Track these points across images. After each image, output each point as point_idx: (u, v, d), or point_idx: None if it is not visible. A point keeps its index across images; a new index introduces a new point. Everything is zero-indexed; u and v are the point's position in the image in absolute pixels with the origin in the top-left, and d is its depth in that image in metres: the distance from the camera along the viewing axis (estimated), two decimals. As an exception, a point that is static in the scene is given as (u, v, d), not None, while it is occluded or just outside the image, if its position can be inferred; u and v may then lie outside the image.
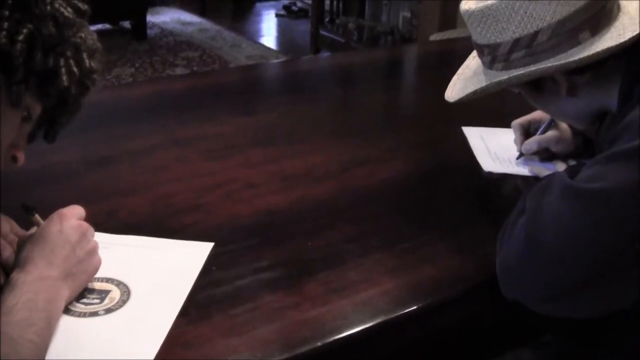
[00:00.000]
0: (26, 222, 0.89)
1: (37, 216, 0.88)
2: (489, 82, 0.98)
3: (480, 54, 1.01)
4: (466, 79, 1.06)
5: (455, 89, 1.07)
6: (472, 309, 0.93)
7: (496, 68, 0.98)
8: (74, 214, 0.86)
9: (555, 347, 1.11)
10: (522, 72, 0.94)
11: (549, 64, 0.92)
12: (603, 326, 1.00)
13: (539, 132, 1.23)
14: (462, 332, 0.95)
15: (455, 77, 1.11)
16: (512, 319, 0.97)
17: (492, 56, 0.97)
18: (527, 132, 1.25)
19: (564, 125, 1.21)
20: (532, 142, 1.21)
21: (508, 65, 0.96)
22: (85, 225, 0.86)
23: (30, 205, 0.88)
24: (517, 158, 1.24)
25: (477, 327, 0.96)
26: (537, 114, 1.24)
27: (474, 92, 1.00)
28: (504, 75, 0.96)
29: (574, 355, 1.11)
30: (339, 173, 1.21)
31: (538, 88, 1.01)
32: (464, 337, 0.96)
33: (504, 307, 0.91)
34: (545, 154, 1.23)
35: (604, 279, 0.81)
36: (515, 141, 1.25)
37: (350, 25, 4.40)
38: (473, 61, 1.08)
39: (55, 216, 0.84)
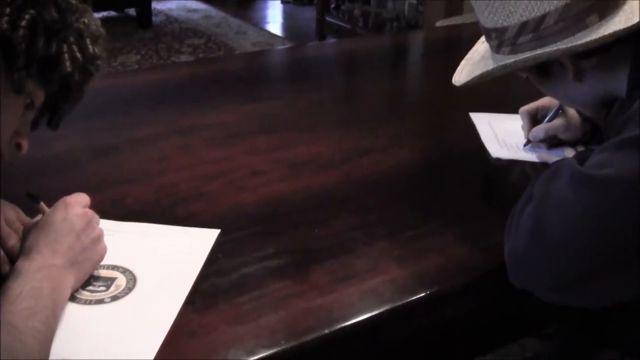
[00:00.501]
0: (32, 211, 0.89)
1: (42, 204, 0.88)
2: (495, 66, 0.97)
3: (488, 38, 1.00)
4: (474, 64, 1.05)
5: (463, 74, 1.06)
6: (478, 298, 0.93)
7: (503, 52, 0.97)
8: (78, 201, 0.86)
9: (560, 338, 1.11)
10: (528, 55, 0.93)
11: (555, 47, 0.91)
12: (607, 318, 1.00)
13: (546, 120, 1.22)
14: (468, 321, 0.95)
15: (463, 62, 1.10)
16: (518, 309, 0.96)
17: (499, 40, 0.96)
18: (534, 118, 1.24)
19: (572, 112, 1.20)
20: (540, 130, 1.20)
21: (515, 49, 0.95)
22: (90, 212, 0.86)
23: (35, 193, 0.88)
24: (525, 145, 1.24)
25: (483, 316, 0.96)
26: (545, 101, 1.23)
27: (480, 76, 1.00)
28: (510, 59, 0.95)
29: (578, 346, 1.11)
30: (344, 161, 1.20)
31: (545, 72, 1.00)
32: (470, 326, 0.96)
33: (510, 297, 0.91)
34: (553, 141, 1.22)
35: (609, 269, 0.80)
36: (522, 128, 1.24)
37: (356, 12, 4.38)
38: (482, 46, 1.07)
39: (60, 204, 0.84)
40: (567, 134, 1.20)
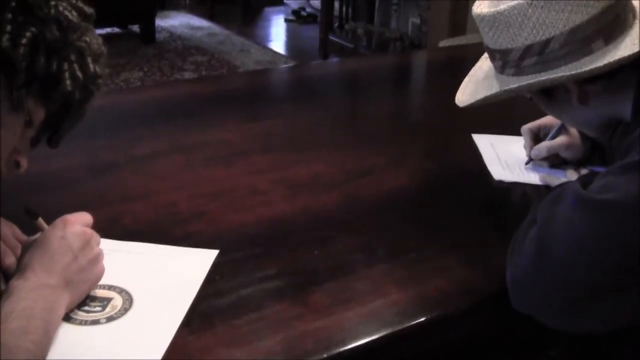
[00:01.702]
0: (31, 228, 0.88)
1: (40, 220, 0.87)
2: (499, 90, 0.97)
3: (492, 59, 1.00)
4: (477, 82, 1.05)
5: (466, 93, 1.05)
6: (479, 321, 0.92)
7: (507, 73, 0.96)
8: (79, 220, 0.85)
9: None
10: (532, 81, 0.93)
11: (560, 74, 0.91)
12: (611, 342, 0.98)
13: (548, 138, 1.22)
14: (469, 345, 0.94)
15: (467, 79, 1.09)
16: (520, 332, 0.95)
17: (503, 61, 0.96)
18: (536, 137, 1.24)
19: (573, 131, 1.19)
20: (542, 148, 1.20)
21: (519, 71, 0.94)
22: (89, 232, 0.85)
23: (33, 209, 0.87)
24: (526, 163, 1.23)
25: (484, 340, 0.95)
26: (547, 119, 1.22)
27: (484, 99, 0.99)
28: (514, 82, 0.95)
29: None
30: (345, 181, 1.19)
31: (550, 95, 0.99)
32: (470, 350, 0.94)
33: (511, 321, 0.90)
34: (555, 160, 1.22)
35: (612, 293, 0.79)
36: (524, 146, 1.24)
37: (359, 31, 4.40)
38: (485, 62, 1.07)
39: (59, 222, 0.83)
40: (569, 152, 1.20)
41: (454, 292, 0.90)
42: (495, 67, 1.00)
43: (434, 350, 0.90)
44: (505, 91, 0.96)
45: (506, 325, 0.94)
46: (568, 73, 0.90)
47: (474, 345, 0.94)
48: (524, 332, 0.96)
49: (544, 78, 0.92)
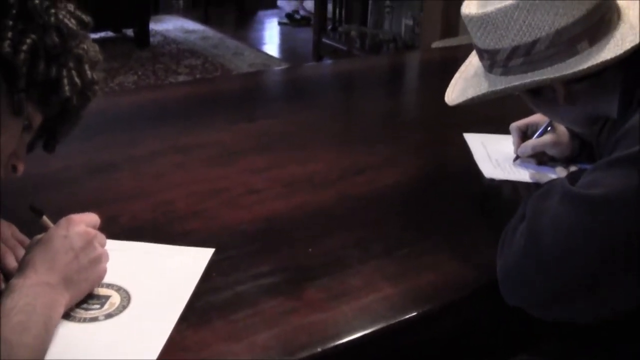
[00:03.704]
0: (33, 226, 0.88)
1: (45, 218, 0.88)
2: (487, 91, 0.98)
3: (480, 58, 1.01)
4: (467, 79, 1.06)
5: (456, 90, 1.07)
6: (472, 315, 0.93)
7: (495, 72, 0.98)
8: (84, 220, 0.86)
9: (555, 354, 1.11)
10: (518, 83, 0.94)
11: (546, 75, 0.92)
12: (603, 334, 1.00)
13: (535, 135, 1.24)
14: (462, 338, 0.95)
15: (457, 75, 1.10)
16: (512, 326, 0.96)
17: (491, 61, 0.97)
18: (524, 134, 1.26)
19: (561, 129, 1.21)
20: (528, 146, 1.22)
21: (507, 71, 0.96)
22: (93, 232, 0.85)
23: (37, 207, 0.88)
24: (514, 160, 1.25)
25: (477, 334, 0.96)
26: (536, 117, 1.24)
27: (472, 99, 1.01)
28: (502, 83, 0.96)
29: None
30: (339, 179, 1.21)
31: (537, 94, 1.01)
32: (463, 344, 0.96)
33: (503, 314, 0.91)
34: (542, 158, 1.24)
35: (601, 284, 0.81)
36: (513, 143, 1.26)
37: (353, 33, 4.41)
38: (475, 58, 1.08)
39: (63, 221, 0.84)
40: (556, 149, 1.22)
41: (446, 286, 0.91)
42: (483, 66, 1.01)
43: (427, 344, 0.91)
44: (492, 92, 0.97)
45: (498, 319, 0.95)
46: (553, 75, 0.91)
47: (465, 339, 0.96)
48: (515, 326, 0.97)
49: (529, 80, 0.93)
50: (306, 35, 5.24)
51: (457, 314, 0.91)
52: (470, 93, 1.01)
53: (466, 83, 1.05)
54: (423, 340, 0.90)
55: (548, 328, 0.99)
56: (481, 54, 1.00)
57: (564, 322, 0.89)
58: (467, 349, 0.97)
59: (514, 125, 1.26)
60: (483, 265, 0.94)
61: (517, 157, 1.25)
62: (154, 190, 1.15)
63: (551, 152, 1.22)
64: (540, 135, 1.23)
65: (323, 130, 1.47)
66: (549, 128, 1.22)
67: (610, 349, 1.04)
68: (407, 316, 0.86)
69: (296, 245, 0.99)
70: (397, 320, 0.85)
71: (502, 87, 0.96)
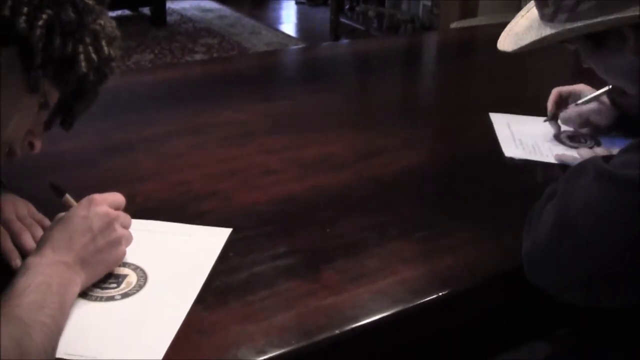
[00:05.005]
0: (52, 205, 0.88)
1: (67, 197, 0.88)
2: (548, 33, 0.93)
3: (543, 6, 0.95)
4: (518, 34, 1.01)
5: (507, 43, 1.02)
6: (489, 300, 0.93)
7: (559, 20, 0.92)
8: (107, 200, 0.85)
9: (571, 341, 1.10)
10: (589, 22, 0.88)
11: (621, 15, 0.85)
12: (619, 321, 0.98)
13: (579, 102, 1.25)
14: (479, 323, 0.94)
15: (503, 34, 1.05)
16: (528, 311, 0.96)
17: (557, 7, 0.92)
18: (562, 99, 1.27)
19: (603, 98, 1.22)
20: (574, 111, 1.24)
21: (573, 16, 0.90)
22: (114, 214, 0.85)
23: (59, 185, 0.88)
24: (545, 121, 1.29)
25: (494, 318, 0.96)
26: (579, 87, 1.25)
27: (532, 43, 0.95)
28: (567, 26, 0.91)
29: (589, 350, 1.09)
30: (357, 161, 1.20)
31: (600, 43, 0.94)
32: (480, 328, 0.95)
33: (521, 298, 0.90)
34: (582, 126, 1.26)
35: (631, 268, 0.79)
36: (548, 102, 1.28)
37: (370, 13, 4.38)
38: (521, 20, 1.03)
39: (84, 201, 0.84)
40: (598, 117, 1.23)
41: (464, 270, 0.90)
42: (544, 15, 0.96)
43: (444, 328, 0.91)
44: (567, 30, 0.91)
45: (514, 303, 0.95)
46: (628, 14, 0.85)
47: (483, 323, 0.95)
48: (533, 311, 0.96)
49: (599, 19, 0.87)
50: (323, 14, 5.20)
51: (475, 299, 0.90)
52: (529, 40, 0.96)
53: (517, 37, 1.00)
54: (441, 323, 0.89)
55: (563, 314, 0.98)
56: (545, 0, 0.94)
57: (581, 308, 0.88)
58: (482, 334, 0.96)
59: (556, 89, 1.27)
60: (502, 250, 0.93)
61: (552, 118, 1.28)
62: (171, 170, 1.14)
63: (595, 118, 1.24)
64: (587, 102, 1.24)
65: (340, 112, 1.46)
66: (593, 99, 1.23)
67: (626, 334, 1.02)
68: (425, 300, 0.85)
69: (312, 227, 0.98)
70: (415, 304, 0.84)
71: (572, 26, 0.90)
